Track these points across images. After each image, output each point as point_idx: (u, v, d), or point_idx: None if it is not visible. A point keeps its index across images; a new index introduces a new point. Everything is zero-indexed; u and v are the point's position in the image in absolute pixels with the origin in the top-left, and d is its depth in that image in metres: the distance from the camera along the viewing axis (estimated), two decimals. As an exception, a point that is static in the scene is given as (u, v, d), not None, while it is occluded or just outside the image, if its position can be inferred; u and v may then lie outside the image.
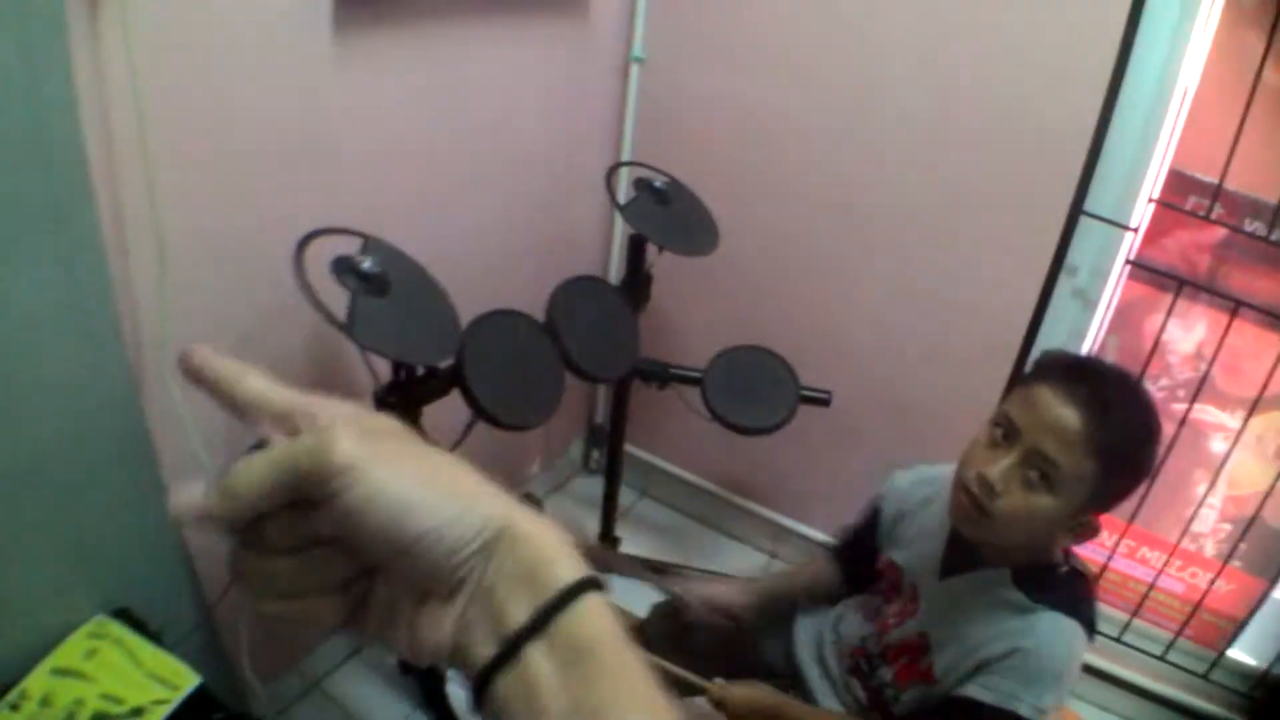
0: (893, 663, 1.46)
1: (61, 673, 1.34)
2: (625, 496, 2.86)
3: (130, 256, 1.35)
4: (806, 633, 1.68)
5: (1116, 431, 1.19)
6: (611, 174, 1.99)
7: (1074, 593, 1.32)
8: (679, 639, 1.71)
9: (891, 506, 1.58)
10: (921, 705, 1.40)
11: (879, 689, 1.48)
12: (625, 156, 2.41)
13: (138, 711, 1.33)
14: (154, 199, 1.33)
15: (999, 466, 1.23)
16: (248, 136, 1.47)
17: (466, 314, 1.63)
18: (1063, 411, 1.19)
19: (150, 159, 1.30)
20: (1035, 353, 2.09)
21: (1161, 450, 1.26)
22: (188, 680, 1.40)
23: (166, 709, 1.35)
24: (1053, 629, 1.27)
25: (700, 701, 1.57)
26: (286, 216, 1.45)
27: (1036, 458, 1.21)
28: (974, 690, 1.29)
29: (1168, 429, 2.10)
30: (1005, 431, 1.25)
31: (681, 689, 1.59)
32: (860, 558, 1.63)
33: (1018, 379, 1.33)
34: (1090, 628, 1.30)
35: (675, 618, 1.74)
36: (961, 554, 1.38)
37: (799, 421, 2.16)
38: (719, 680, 1.58)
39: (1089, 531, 1.28)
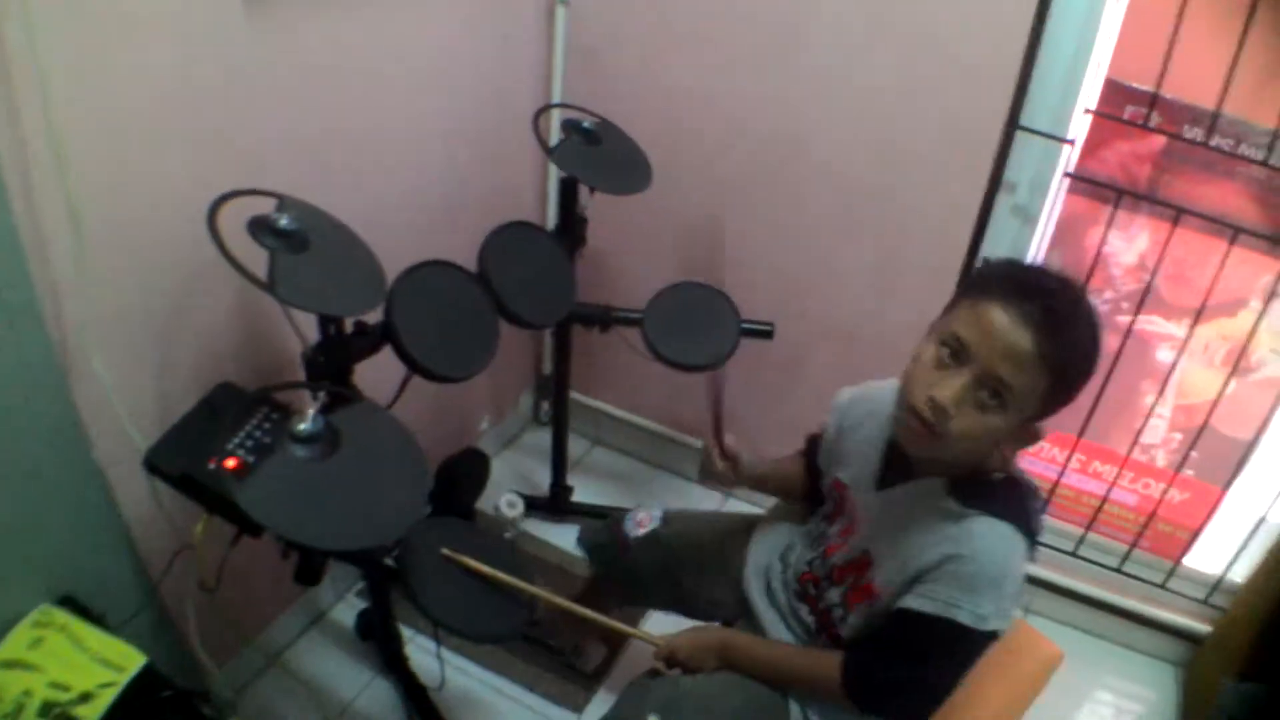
0: (840, 583, 1.46)
1: (8, 665, 1.33)
2: (578, 446, 2.86)
3: (44, 232, 1.29)
4: (755, 566, 1.67)
5: (1069, 348, 1.18)
6: (539, 117, 1.94)
7: (1009, 499, 1.31)
8: (619, 566, 1.73)
9: (834, 422, 1.58)
10: (866, 626, 1.41)
11: (827, 610, 1.48)
12: (555, 100, 2.36)
13: (86, 697, 1.32)
14: (64, 170, 1.27)
15: (951, 389, 1.20)
16: (157, 99, 1.41)
17: (399, 269, 1.59)
18: (1018, 334, 1.16)
19: (56, 128, 1.24)
20: (977, 271, 2.09)
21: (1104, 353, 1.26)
22: (134, 661, 1.39)
23: (114, 692, 1.34)
24: (988, 534, 1.27)
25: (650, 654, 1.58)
26: (203, 181, 1.39)
27: (990, 379, 1.19)
28: (912, 601, 1.29)
29: (1113, 341, 2.11)
30: (954, 351, 1.22)
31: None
32: (814, 474, 1.64)
33: (962, 291, 1.28)
34: (1030, 534, 1.30)
35: (614, 545, 1.73)
36: (897, 467, 1.38)
37: (747, 357, 2.15)
38: (663, 635, 1.58)
39: (1033, 438, 1.28)
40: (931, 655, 1.31)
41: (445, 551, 1.47)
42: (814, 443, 1.67)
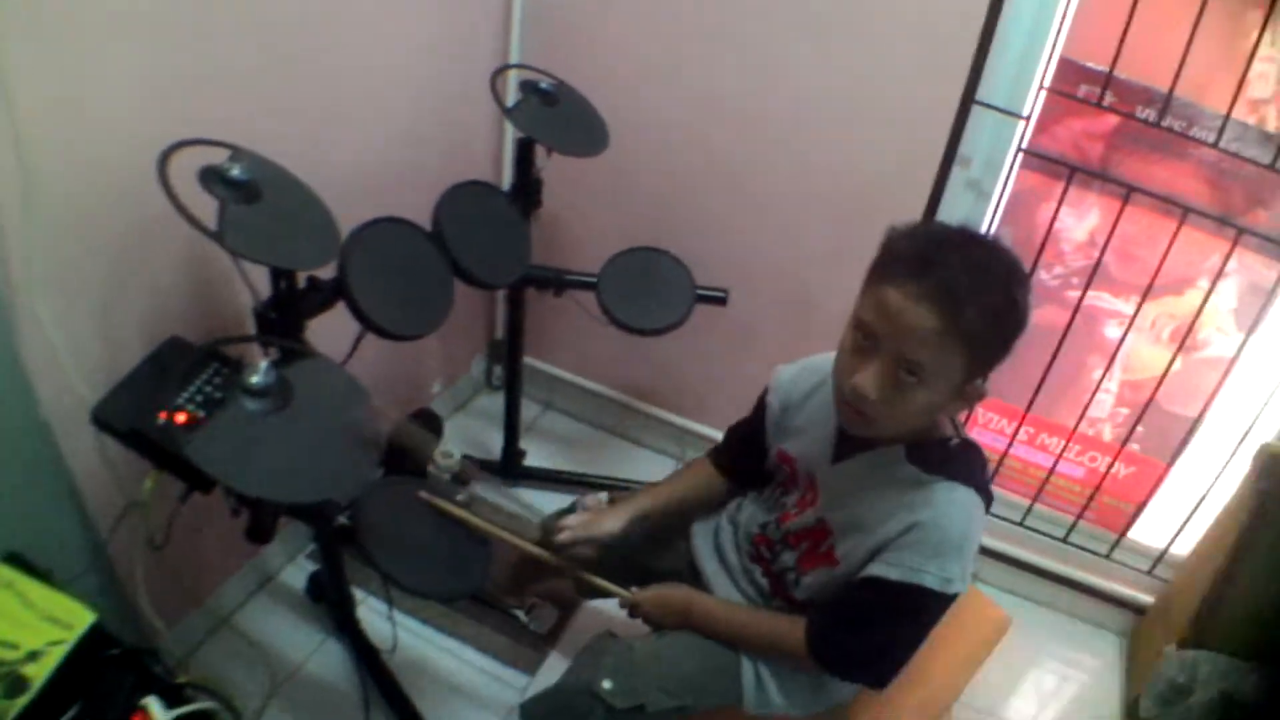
0: (795, 547, 1.47)
1: (-48, 623, 1.29)
2: (530, 410, 2.87)
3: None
4: (702, 528, 1.68)
5: (975, 316, 1.14)
6: (497, 77, 1.93)
7: (967, 463, 1.33)
8: (577, 555, 1.71)
9: (778, 399, 1.56)
10: (827, 590, 1.41)
11: (780, 574, 1.49)
12: (513, 60, 2.34)
13: (34, 655, 1.28)
14: (11, 114, 1.24)
15: (868, 375, 1.20)
16: (109, 46, 1.38)
17: (353, 226, 1.58)
18: (917, 313, 1.14)
19: (3, 69, 1.21)
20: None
21: (1032, 299, 1.22)
22: (83, 619, 1.35)
23: (63, 650, 1.31)
24: (949, 499, 1.28)
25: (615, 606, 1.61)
26: (155, 131, 1.36)
27: (901, 360, 1.18)
28: (878, 569, 1.29)
29: (1061, 317, 2.13)
30: (865, 335, 1.22)
31: (596, 593, 1.63)
32: (751, 457, 1.62)
33: (870, 269, 1.27)
34: (986, 496, 1.32)
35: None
36: (852, 438, 1.37)
37: (700, 324, 2.16)
38: (634, 588, 1.59)
39: (976, 397, 1.27)
40: (899, 620, 1.32)
41: (422, 494, 1.47)
42: (735, 440, 1.68)
